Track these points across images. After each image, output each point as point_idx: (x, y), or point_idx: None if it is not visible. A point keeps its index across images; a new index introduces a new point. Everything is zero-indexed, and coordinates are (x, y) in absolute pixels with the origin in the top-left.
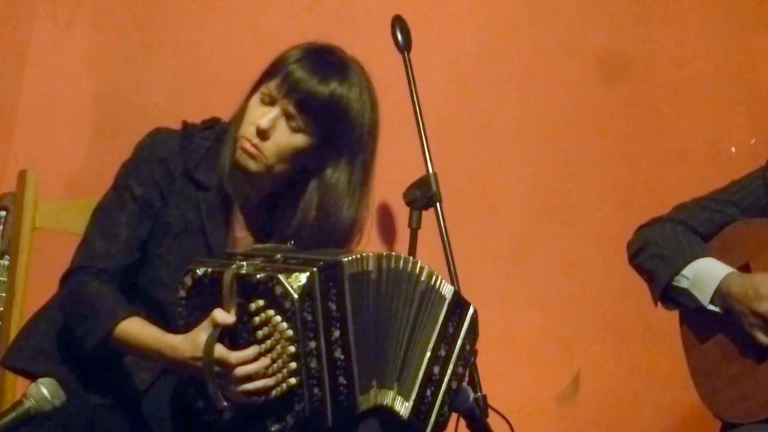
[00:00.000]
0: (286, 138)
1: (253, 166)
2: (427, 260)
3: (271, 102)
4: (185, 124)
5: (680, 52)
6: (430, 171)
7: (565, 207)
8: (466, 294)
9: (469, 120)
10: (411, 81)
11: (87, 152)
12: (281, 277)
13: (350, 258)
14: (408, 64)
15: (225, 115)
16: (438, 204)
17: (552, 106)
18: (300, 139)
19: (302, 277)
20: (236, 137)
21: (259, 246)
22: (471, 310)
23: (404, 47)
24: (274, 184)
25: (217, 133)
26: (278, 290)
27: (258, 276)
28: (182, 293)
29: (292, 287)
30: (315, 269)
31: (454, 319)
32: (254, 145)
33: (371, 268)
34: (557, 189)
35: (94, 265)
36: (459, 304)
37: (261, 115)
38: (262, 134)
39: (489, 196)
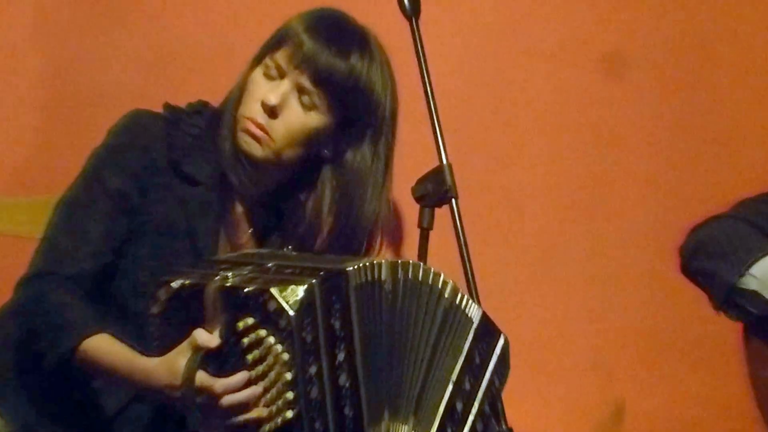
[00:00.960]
0: (298, 116)
1: (258, 151)
2: (441, 266)
3: (279, 75)
4: (168, 107)
5: (739, 25)
6: (444, 162)
7: (602, 204)
8: (486, 307)
9: (489, 102)
10: (420, 54)
11: (35, 141)
12: (274, 290)
13: (357, 266)
14: (416, 33)
15: (201, 97)
16: (453, 200)
17: (587, 86)
18: (314, 119)
19: (299, 291)
20: (236, 118)
21: (250, 251)
22: (502, 340)
23: (412, 13)
24: (282, 175)
25: (207, 118)
26: (271, 306)
27: (246, 289)
28: (155, 309)
29: (287, 302)
30: (314, 280)
31: (482, 348)
32: (260, 126)
33: (384, 277)
34: (593, 183)
35: (59, 271)
36: (488, 331)
37: (268, 90)
38: (271, 112)
39: (513, 191)
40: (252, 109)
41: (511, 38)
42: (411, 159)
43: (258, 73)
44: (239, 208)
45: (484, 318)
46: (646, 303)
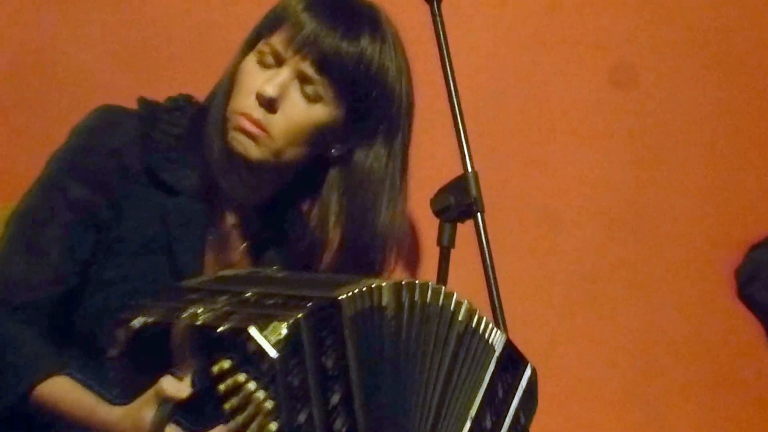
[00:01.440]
0: (301, 110)
1: (255, 152)
2: (463, 290)
3: (277, 62)
4: (144, 102)
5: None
6: (469, 170)
7: (652, 221)
8: (516, 337)
9: (522, 100)
10: (442, 43)
11: None
12: (253, 329)
13: (352, 292)
14: (438, 18)
15: (184, 90)
16: (479, 214)
17: (639, 82)
18: (320, 112)
19: (282, 328)
20: (226, 115)
21: (228, 273)
22: (529, 371)
23: None
24: (282, 179)
25: (191, 115)
26: (250, 347)
27: (220, 328)
28: (115, 352)
29: (269, 342)
30: (300, 314)
31: (505, 379)
32: (256, 122)
33: (386, 302)
34: (643, 196)
35: (11, 299)
36: (513, 360)
37: (264, 80)
38: (269, 105)
39: (549, 204)
40: (246, 104)
41: (551, 26)
42: (430, 166)
43: (251, 61)
44: (230, 220)
45: (508, 345)
46: (700, 332)
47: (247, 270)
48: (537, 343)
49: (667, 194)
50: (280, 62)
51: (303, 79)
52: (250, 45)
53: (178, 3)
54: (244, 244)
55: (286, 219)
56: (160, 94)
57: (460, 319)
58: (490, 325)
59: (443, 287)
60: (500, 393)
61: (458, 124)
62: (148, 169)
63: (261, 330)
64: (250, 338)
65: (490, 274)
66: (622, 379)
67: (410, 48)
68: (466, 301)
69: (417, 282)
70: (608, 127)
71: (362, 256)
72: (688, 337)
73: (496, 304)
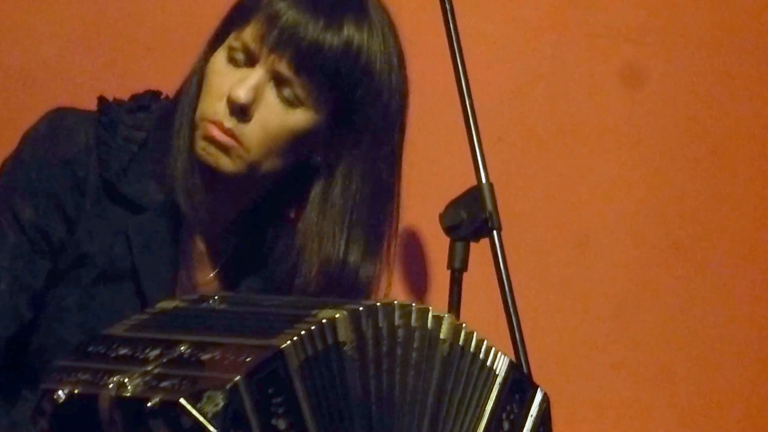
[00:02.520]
0: (278, 116)
1: (227, 165)
2: (478, 319)
3: (249, 61)
4: (103, 102)
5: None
6: (484, 181)
7: (699, 242)
8: (541, 374)
9: (546, 101)
10: (452, 35)
11: None
12: (186, 402)
13: (298, 335)
14: (448, 6)
15: (154, 84)
16: (496, 232)
17: (680, 84)
18: (300, 117)
19: (219, 398)
20: (194, 121)
21: (168, 306)
22: (539, 396)
23: None
24: (259, 193)
25: (157, 116)
26: (186, 422)
27: (150, 402)
28: (44, 424)
29: (205, 417)
30: (238, 377)
31: (510, 409)
32: (227, 131)
33: (343, 337)
34: (688, 213)
35: None
36: (519, 386)
37: (235, 81)
38: (240, 112)
39: (576, 220)
40: (215, 109)
41: (581, 16)
42: (439, 177)
43: (220, 59)
44: (200, 241)
45: (512, 368)
46: (761, 371)
47: (187, 300)
48: (564, 380)
49: (721, 213)
50: (252, 61)
51: (279, 80)
52: (219, 38)
53: None
54: (216, 271)
55: (266, 235)
56: (134, 87)
57: (442, 337)
58: (485, 344)
59: (413, 304)
60: (506, 426)
61: (471, 128)
62: (106, 181)
63: (195, 402)
64: (185, 412)
65: (509, 301)
66: (668, 425)
67: (417, 43)
68: (447, 315)
69: (378, 303)
70: (644, 130)
71: (345, 281)
72: (748, 376)
73: (517, 336)
